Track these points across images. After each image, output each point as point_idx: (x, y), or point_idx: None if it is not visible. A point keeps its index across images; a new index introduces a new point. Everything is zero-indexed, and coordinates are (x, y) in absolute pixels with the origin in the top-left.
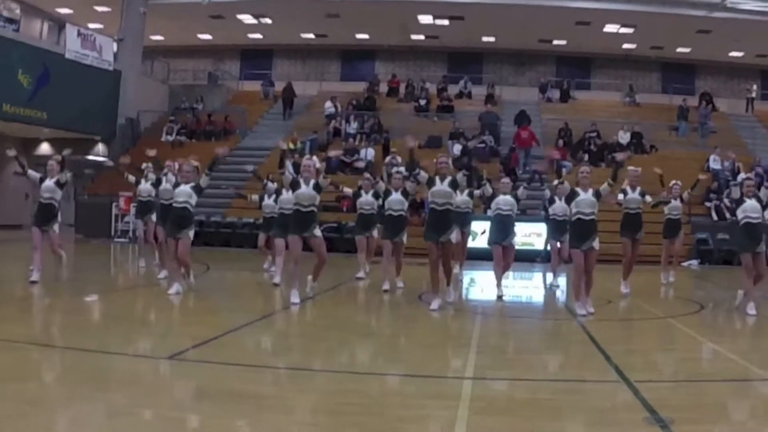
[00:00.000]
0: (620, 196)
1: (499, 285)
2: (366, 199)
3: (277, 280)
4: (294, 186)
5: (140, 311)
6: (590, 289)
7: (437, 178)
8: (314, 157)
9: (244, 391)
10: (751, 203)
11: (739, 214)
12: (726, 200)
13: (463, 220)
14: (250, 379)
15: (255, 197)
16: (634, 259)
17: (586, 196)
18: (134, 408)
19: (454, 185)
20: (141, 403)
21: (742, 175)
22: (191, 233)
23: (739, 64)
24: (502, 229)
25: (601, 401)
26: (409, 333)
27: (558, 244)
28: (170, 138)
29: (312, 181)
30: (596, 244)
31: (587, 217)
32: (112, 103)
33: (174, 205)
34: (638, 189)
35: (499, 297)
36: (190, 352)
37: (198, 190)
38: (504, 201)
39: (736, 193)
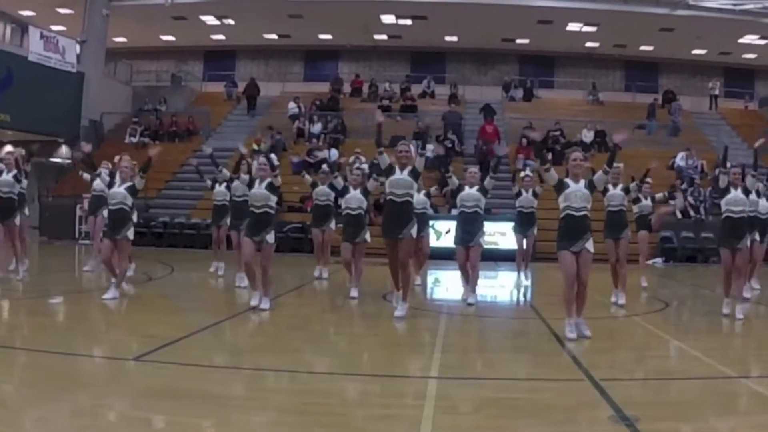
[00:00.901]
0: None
1: (471, 287)
2: (321, 189)
3: (243, 284)
4: (249, 185)
5: (104, 312)
6: (584, 304)
7: (397, 167)
8: (272, 155)
9: (210, 391)
10: (735, 195)
11: (722, 206)
12: (690, 198)
13: (420, 221)
14: (216, 379)
15: (209, 181)
16: (623, 261)
17: (577, 187)
18: (100, 409)
19: (416, 175)
20: (106, 404)
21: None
22: (130, 234)
23: (702, 61)
24: (467, 230)
25: (566, 400)
26: (374, 332)
27: (524, 240)
28: (134, 140)
29: (266, 181)
30: (590, 245)
31: (579, 213)
32: (76, 105)
33: (110, 207)
34: (620, 185)
35: (469, 303)
36: (155, 353)
37: (133, 191)
38: (468, 197)
39: (723, 181)
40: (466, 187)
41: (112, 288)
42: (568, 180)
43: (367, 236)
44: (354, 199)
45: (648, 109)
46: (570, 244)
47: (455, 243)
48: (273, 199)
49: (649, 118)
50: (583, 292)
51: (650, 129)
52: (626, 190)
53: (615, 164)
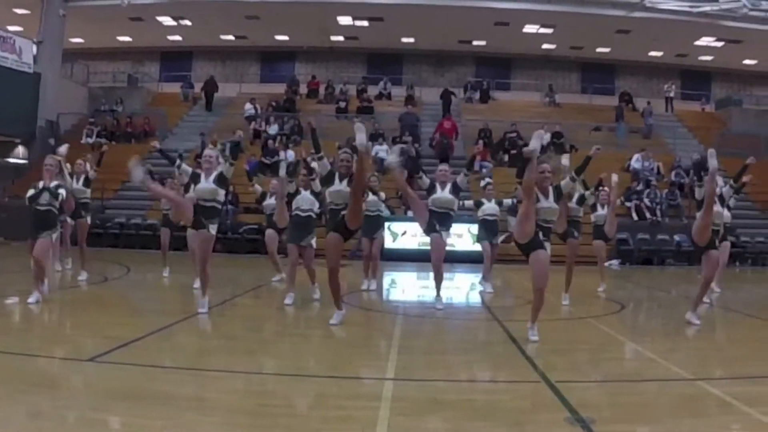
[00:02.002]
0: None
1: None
2: (269, 202)
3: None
4: (194, 180)
5: (61, 313)
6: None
7: (337, 176)
8: (215, 149)
9: (166, 392)
10: (715, 209)
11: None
12: (646, 200)
13: (373, 224)
14: (172, 380)
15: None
16: (571, 263)
17: (548, 203)
18: (56, 410)
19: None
20: (63, 405)
21: (714, 162)
22: (55, 236)
23: (659, 63)
24: (440, 223)
25: (522, 401)
26: (330, 334)
27: (489, 246)
28: (90, 140)
29: (213, 174)
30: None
31: (546, 224)
32: (32, 105)
33: (37, 208)
34: (577, 194)
35: (437, 309)
36: (111, 354)
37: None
38: (440, 200)
39: (699, 194)
40: (438, 188)
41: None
42: (539, 194)
43: (313, 241)
44: (305, 200)
45: (616, 111)
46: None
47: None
48: (221, 193)
49: (617, 120)
50: (540, 294)
51: (618, 132)
52: (581, 199)
53: (564, 161)
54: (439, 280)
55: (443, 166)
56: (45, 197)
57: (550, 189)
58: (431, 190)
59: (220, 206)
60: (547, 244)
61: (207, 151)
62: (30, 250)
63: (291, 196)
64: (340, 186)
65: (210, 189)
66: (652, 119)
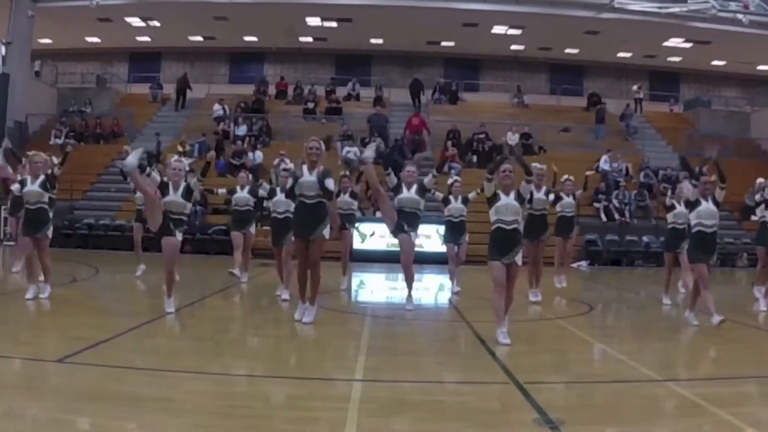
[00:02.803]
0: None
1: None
2: (241, 195)
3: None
4: (161, 190)
5: (29, 314)
6: (510, 305)
7: (305, 168)
8: (183, 159)
9: (134, 393)
10: (706, 207)
11: (692, 218)
12: (615, 201)
13: (347, 221)
14: (140, 381)
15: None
16: (538, 261)
17: (508, 200)
18: (24, 410)
19: (326, 176)
20: (31, 406)
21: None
22: (49, 232)
23: (628, 64)
24: (408, 224)
25: (491, 402)
26: (299, 335)
27: (456, 248)
28: (59, 141)
29: (182, 186)
30: (519, 258)
31: (509, 226)
32: (0, 106)
33: (27, 206)
34: (543, 189)
35: (407, 310)
36: (80, 355)
37: (45, 185)
38: (408, 200)
39: (693, 194)
40: (404, 189)
41: (33, 287)
42: (500, 193)
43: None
44: (281, 203)
45: (597, 114)
46: (501, 255)
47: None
48: (188, 206)
49: (598, 122)
50: (509, 302)
51: (599, 133)
52: (548, 194)
53: (536, 166)
54: (409, 281)
55: (411, 167)
56: (35, 194)
57: (512, 193)
58: (397, 189)
59: (186, 217)
60: (519, 255)
61: (176, 163)
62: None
63: (268, 197)
64: (309, 177)
65: (178, 203)
66: (632, 120)
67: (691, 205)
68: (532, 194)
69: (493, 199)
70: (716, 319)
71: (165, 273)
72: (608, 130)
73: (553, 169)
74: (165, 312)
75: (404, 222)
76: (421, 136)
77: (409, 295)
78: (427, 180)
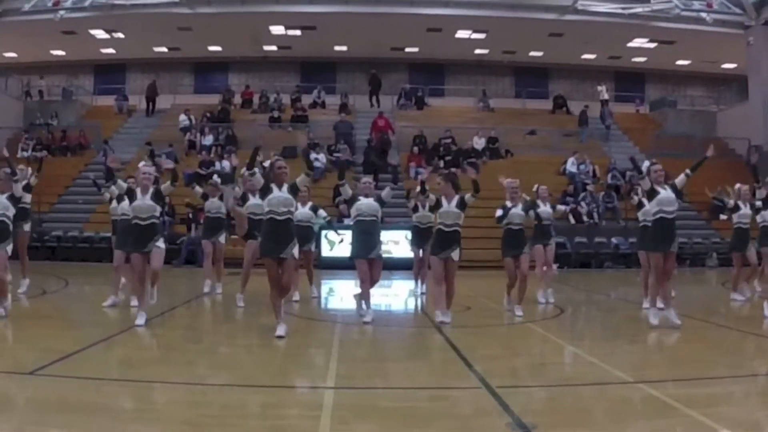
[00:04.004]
0: (498, 212)
1: (366, 304)
2: (213, 201)
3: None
4: (129, 196)
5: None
6: (451, 299)
7: (274, 185)
8: (157, 163)
9: (105, 404)
10: (666, 194)
11: (652, 207)
12: (583, 203)
13: (306, 235)
14: (111, 392)
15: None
16: (525, 276)
17: (449, 207)
18: None
19: (294, 191)
20: (3, 419)
21: (646, 163)
22: (9, 248)
23: (592, 66)
24: (366, 240)
25: (464, 408)
26: (269, 343)
27: (421, 252)
28: (26, 154)
29: (150, 190)
30: (455, 254)
31: (449, 228)
32: None
33: None
34: (520, 204)
35: (365, 322)
36: (51, 367)
37: (14, 200)
38: (367, 206)
39: (646, 184)
40: (362, 197)
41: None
42: (442, 199)
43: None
44: (256, 206)
45: (579, 116)
46: (439, 252)
47: (354, 256)
48: (158, 210)
49: (581, 125)
50: (450, 290)
51: (582, 136)
52: (527, 210)
53: (509, 181)
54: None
55: (366, 179)
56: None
57: (454, 200)
58: (353, 200)
59: (158, 221)
60: (455, 251)
61: (145, 168)
62: None
63: (241, 202)
64: (279, 192)
65: (147, 206)
66: (573, 123)
67: (650, 194)
68: (506, 208)
69: (437, 205)
70: (656, 318)
71: (142, 284)
72: (574, 132)
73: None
74: (135, 324)
75: (364, 236)
76: (388, 136)
77: (366, 304)
78: (384, 193)
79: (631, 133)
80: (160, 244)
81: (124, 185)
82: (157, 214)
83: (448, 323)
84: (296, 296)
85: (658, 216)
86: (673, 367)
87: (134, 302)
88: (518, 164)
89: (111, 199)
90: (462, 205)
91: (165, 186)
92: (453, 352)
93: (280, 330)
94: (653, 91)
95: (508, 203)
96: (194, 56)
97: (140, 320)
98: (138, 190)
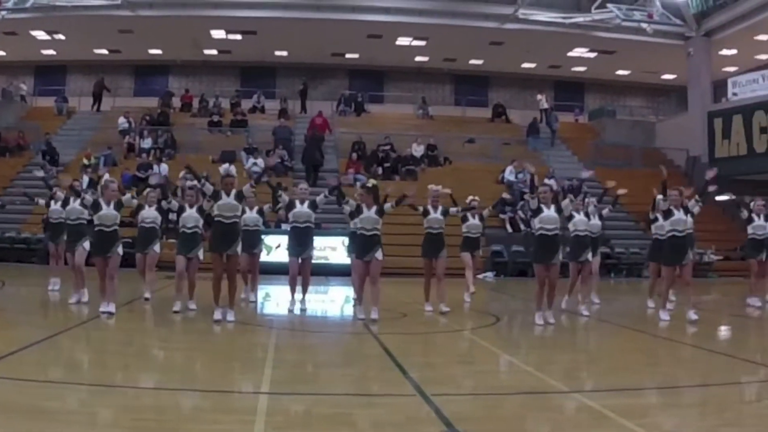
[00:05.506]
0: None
1: (295, 299)
2: (148, 212)
3: (73, 299)
4: (95, 208)
5: None
6: (377, 297)
7: (223, 192)
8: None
9: (41, 406)
10: (547, 213)
11: (536, 224)
12: (520, 212)
13: (252, 239)
14: (48, 394)
15: (41, 201)
16: (440, 277)
17: (368, 213)
18: None
19: (240, 197)
20: None
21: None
22: None
23: (532, 75)
24: (300, 243)
25: (397, 415)
26: (204, 348)
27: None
28: None
29: (114, 201)
30: (379, 254)
31: (369, 233)
32: None
33: None
34: (440, 208)
35: (302, 310)
36: None
37: None
38: (300, 213)
39: (534, 204)
40: (297, 203)
41: None
42: (363, 206)
43: (200, 254)
44: (190, 218)
45: (529, 124)
46: (363, 255)
47: (290, 255)
48: (119, 217)
49: (530, 135)
50: (374, 287)
51: (535, 143)
52: (446, 213)
53: (433, 187)
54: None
55: (303, 185)
56: None
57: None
58: (291, 206)
59: (118, 228)
60: (378, 252)
61: (112, 185)
62: None
63: (177, 213)
64: (227, 199)
65: (111, 215)
66: (514, 132)
67: (534, 212)
68: (427, 212)
69: (357, 211)
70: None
71: (106, 283)
72: (513, 140)
73: (447, 192)
74: (76, 323)
75: (299, 239)
76: (323, 134)
77: (302, 299)
78: (318, 199)
79: (569, 143)
80: (120, 249)
81: (90, 199)
82: (118, 221)
83: (376, 320)
84: (252, 297)
85: (540, 233)
86: (608, 376)
87: (72, 299)
88: (457, 172)
89: (49, 202)
90: (381, 212)
91: (126, 198)
92: (388, 359)
93: (228, 316)
94: (593, 100)
95: (430, 208)
96: (135, 59)
97: (111, 308)
98: (102, 201)
